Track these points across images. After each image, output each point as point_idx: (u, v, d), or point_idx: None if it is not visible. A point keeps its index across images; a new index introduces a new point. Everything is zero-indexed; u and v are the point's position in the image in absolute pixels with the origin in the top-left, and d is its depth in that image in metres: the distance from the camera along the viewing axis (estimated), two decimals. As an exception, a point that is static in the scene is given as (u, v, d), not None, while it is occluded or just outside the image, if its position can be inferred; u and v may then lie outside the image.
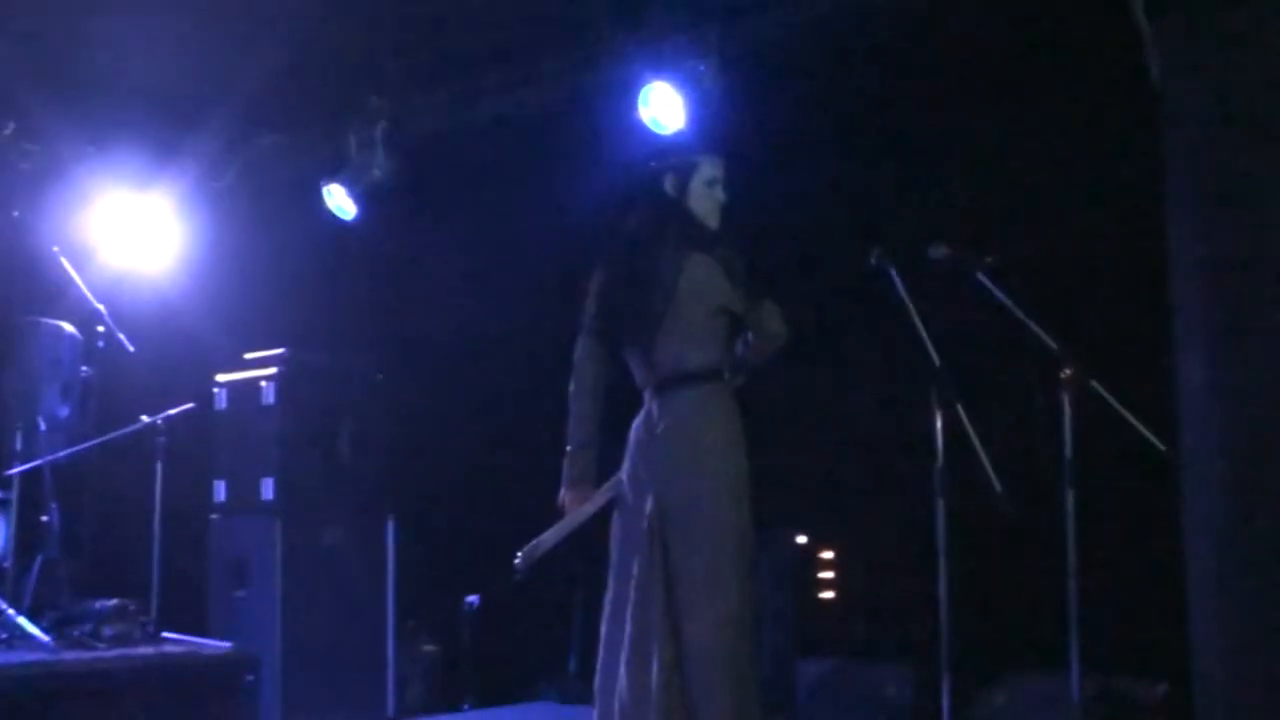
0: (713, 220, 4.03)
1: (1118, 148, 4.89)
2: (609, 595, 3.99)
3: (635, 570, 3.89)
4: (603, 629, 3.98)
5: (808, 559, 5.95)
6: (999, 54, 5.17)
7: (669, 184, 4.04)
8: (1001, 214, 5.12)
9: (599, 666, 3.96)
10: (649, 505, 3.89)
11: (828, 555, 5.91)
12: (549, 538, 4.19)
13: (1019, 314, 4.07)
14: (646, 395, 4.01)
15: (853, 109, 5.61)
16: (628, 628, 3.86)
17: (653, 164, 4.11)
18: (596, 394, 4.06)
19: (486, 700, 6.49)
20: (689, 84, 5.56)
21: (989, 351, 4.37)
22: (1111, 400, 3.93)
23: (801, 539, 6.00)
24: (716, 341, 3.92)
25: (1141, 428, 3.89)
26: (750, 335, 4.02)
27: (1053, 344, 4.04)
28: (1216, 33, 4.20)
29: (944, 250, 4.15)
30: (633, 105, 5.63)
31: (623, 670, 3.86)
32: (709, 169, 4.05)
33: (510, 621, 6.56)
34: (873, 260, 4.25)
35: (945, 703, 4.40)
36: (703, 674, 3.73)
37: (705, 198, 4.03)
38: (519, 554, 4.19)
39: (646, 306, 3.91)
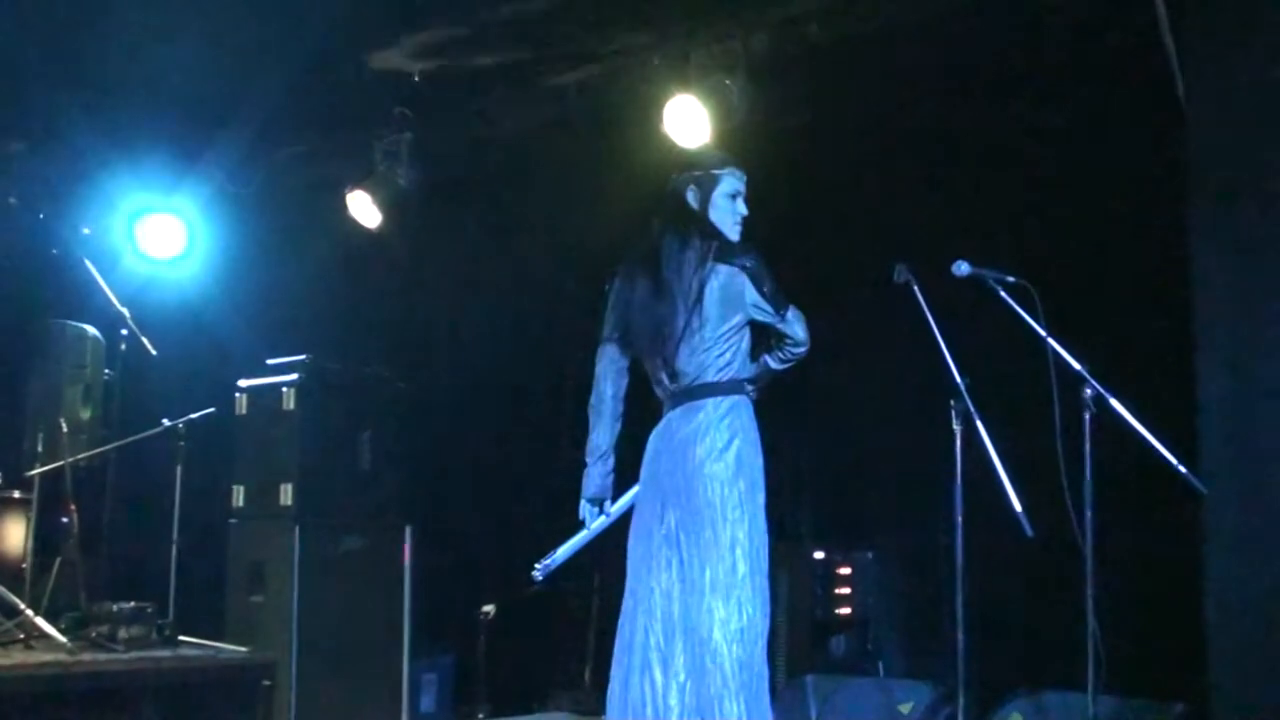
0: (733, 233, 4.05)
1: (1143, 166, 4.89)
2: (624, 605, 4.00)
3: (651, 581, 3.91)
4: (617, 638, 3.99)
5: (826, 574, 5.94)
6: (1026, 72, 5.17)
7: (692, 196, 4.05)
8: (1025, 232, 5.12)
9: (612, 676, 3.97)
10: (666, 516, 3.91)
11: (845, 571, 5.90)
12: (566, 549, 4.21)
13: (1041, 332, 4.07)
14: (667, 406, 4.03)
15: (877, 125, 5.62)
16: (643, 638, 3.87)
17: (675, 176, 4.13)
18: (615, 405, 4.10)
19: (501, 709, 6.49)
20: (714, 98, 5.57)
21: (1011, 369, 4.36)
22: (1132, 420, 3.93)
23: (819, 554, 5.99)
24: (738, 353, 3.94)
25: (1161, 449, 3.88)
26: (774, 344, 4.04)
27: (1074, 363, 4.04)
28: (1243, 52, 4.21)
29: (967, 267, 4.15)
30: (657, 118, 5.65)
31: (637, 680, 3.86)
32: (732, 182, 4.07)
33: (526, 631, 6.57)
34: (897, 276, 4.26)
35: (961, 720, 4.40)
36: (716, 684, 3.73)
37: (727, 211, 4.05)
38: (537, 565, 4.21)
39: (671, 317, 3.92)
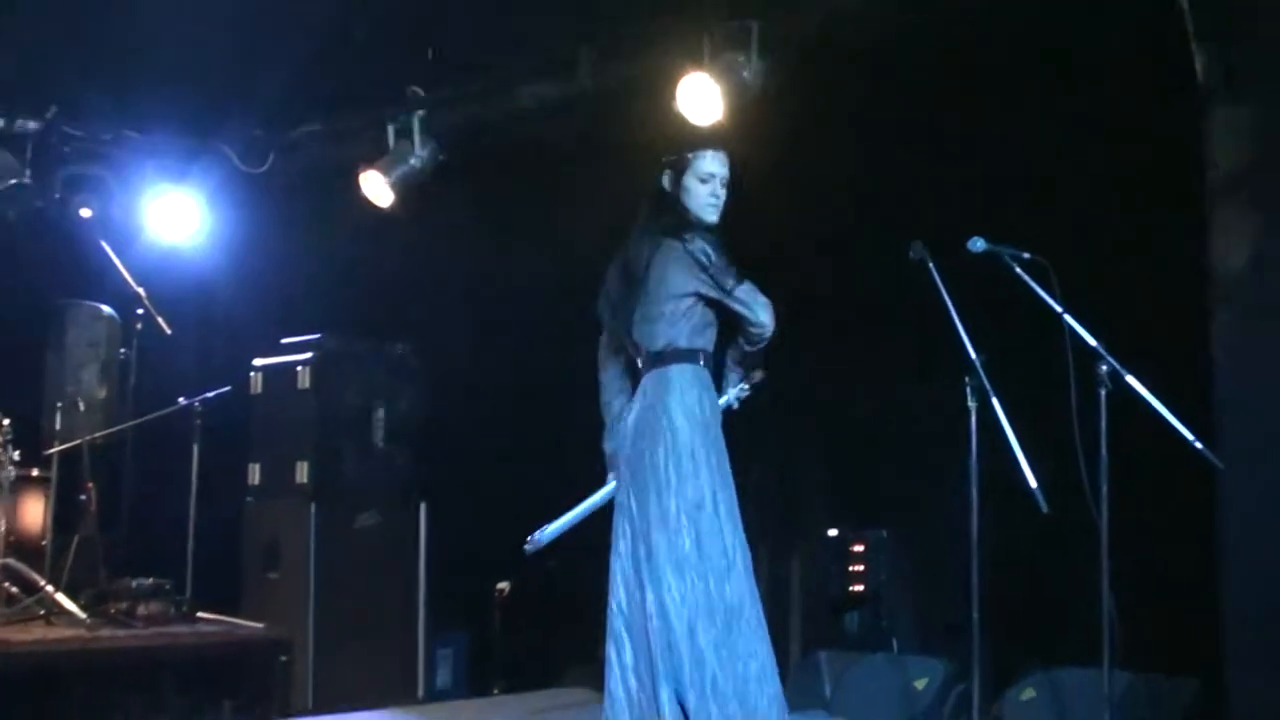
0: (709, 214, 4.06)
1: (1161, 141, 4.87)
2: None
3: (614, 554, 3.95)
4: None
5: (839, 551, 5.95)
6: (1044, 48, 5.16)
7: (666, 179, 4.10)
8: (1041, 208, 5.11)
9: (606, 649, 3.99)
10: (625, 490, 3.97)
11: (859, 548, 5.91)
12: (560, 524, 4.27)
13: (1057, 308, 4.07)
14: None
15: (893, 101, 5.60)
16: (612, 609, 3.91)
17: (661, 158, 4.17)
18: (613, 381, 4.23)
19: (516, 686, 6.52)
20: (727, 75, 5.56)
21: (1026, 346, 4.36)
22: (1148, 396, 3.93)
23: (833, 531, 6.00)
24: (687, 324, 3.97)
25: (1178, 424, 3.88)
26: (740, 324, 4.08)
27: (1090, 339, 4.04)
28: (1263, 32, 4.20)
29: (983, 244, 4.16)
30: (671, 96, 5.63)
31: (607, 649, 3.89)
32: (705, 164, 4.08)
33: (541, 608, 6.60)
34: (912, 254, 4.27)
35: (975, 696, 4.42)
36: (680, 653, 3.73)
37: (698, 193, 4.07)
38: (529, 539, 4.27)
39: (627, 294, 4.05)
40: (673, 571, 3.79)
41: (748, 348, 4.12)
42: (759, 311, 3.99)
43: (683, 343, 3.97)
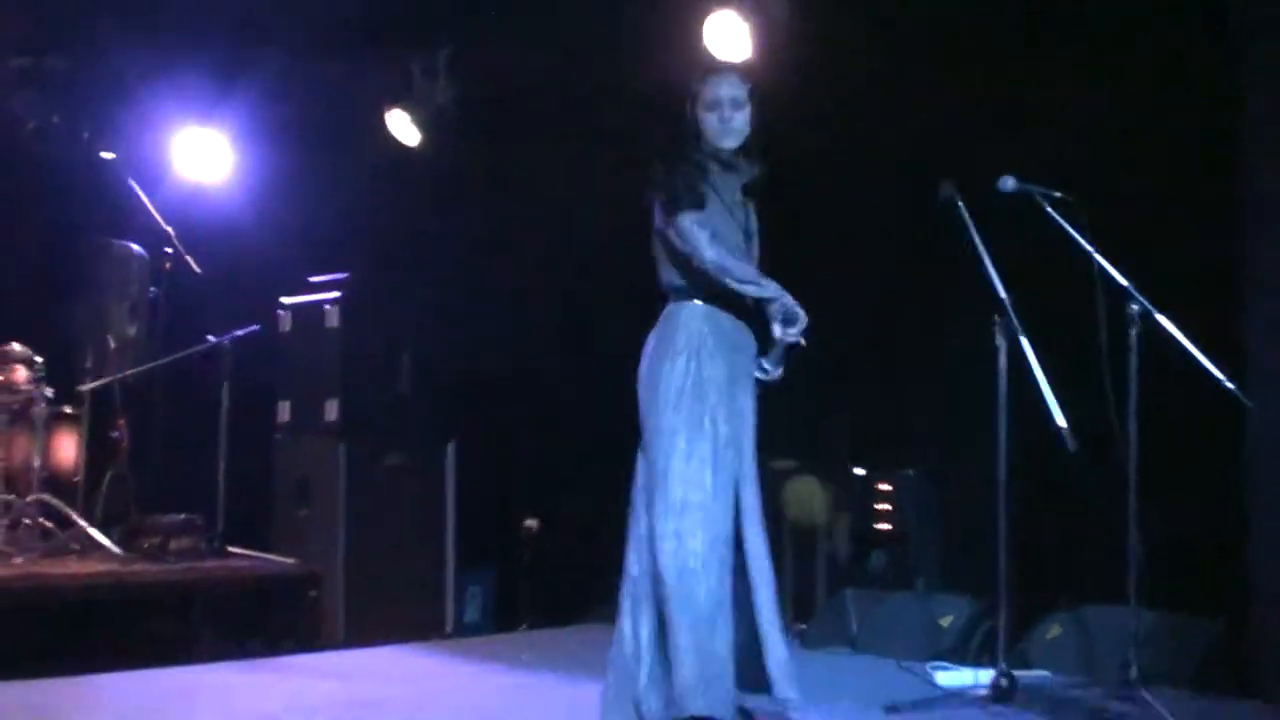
0: (724, 140, 3.88)
1: (1192, 79, 4.82)
2: None
3: (639, 481, 3.93)
4: None
5: (866, 491, 5.96)
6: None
7: (688, 110, 4.00)
8: (1072, 147, 5.06)
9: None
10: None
11: (886, 487, 5.92)
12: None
13: (1087, 247, 4.05)
14: None
15: (924, 40, 5.55)
16: (633, 543, 3.91)
17: None
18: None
19: (543, 622, 6.58)
20: (755, 12, 5.52)
21: (1056, 285, 4.34)
22: (1179, 336, 3.91)
23: (860, 471, 6.01)
24: (674, 260, 3.86)
25: (1208, 363, 3.87)
26: None
27: (1120, 278, 4.02)
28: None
29: (1013, 183, 4.13)
30: (698, 33, 5.60)
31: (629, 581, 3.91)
32: (708, 90, 3.91)
33: (568, 545, 6.64)
34: (942, 192, 4.24)
35: (1001, 634, 4.43)
36: (665, 604, 3.69)
37: (708, 120, 3.93)
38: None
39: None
40: (661, 508, 3.77)
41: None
42: (698, 246, 3.71)
43: (676, 280, 3.90)
